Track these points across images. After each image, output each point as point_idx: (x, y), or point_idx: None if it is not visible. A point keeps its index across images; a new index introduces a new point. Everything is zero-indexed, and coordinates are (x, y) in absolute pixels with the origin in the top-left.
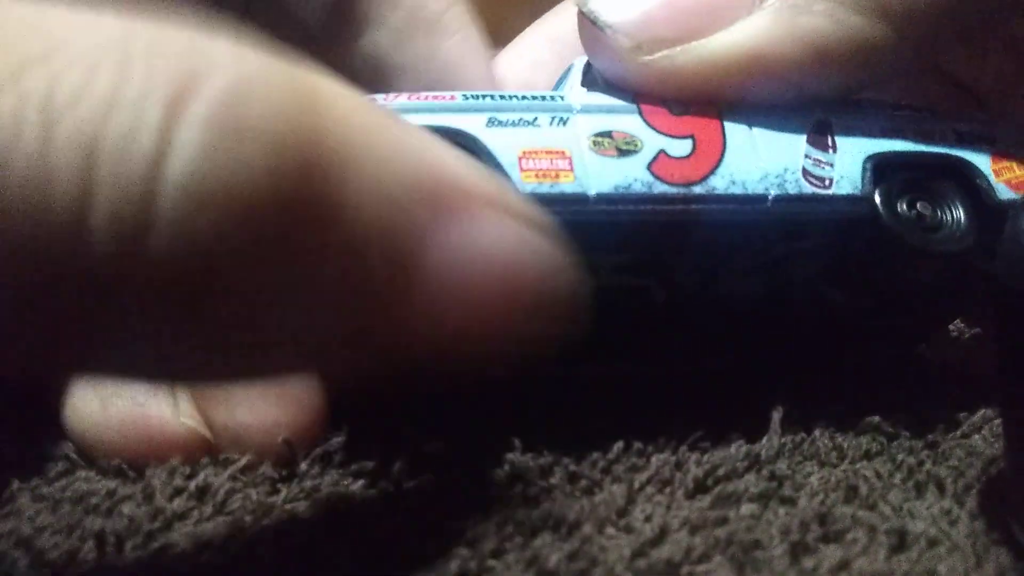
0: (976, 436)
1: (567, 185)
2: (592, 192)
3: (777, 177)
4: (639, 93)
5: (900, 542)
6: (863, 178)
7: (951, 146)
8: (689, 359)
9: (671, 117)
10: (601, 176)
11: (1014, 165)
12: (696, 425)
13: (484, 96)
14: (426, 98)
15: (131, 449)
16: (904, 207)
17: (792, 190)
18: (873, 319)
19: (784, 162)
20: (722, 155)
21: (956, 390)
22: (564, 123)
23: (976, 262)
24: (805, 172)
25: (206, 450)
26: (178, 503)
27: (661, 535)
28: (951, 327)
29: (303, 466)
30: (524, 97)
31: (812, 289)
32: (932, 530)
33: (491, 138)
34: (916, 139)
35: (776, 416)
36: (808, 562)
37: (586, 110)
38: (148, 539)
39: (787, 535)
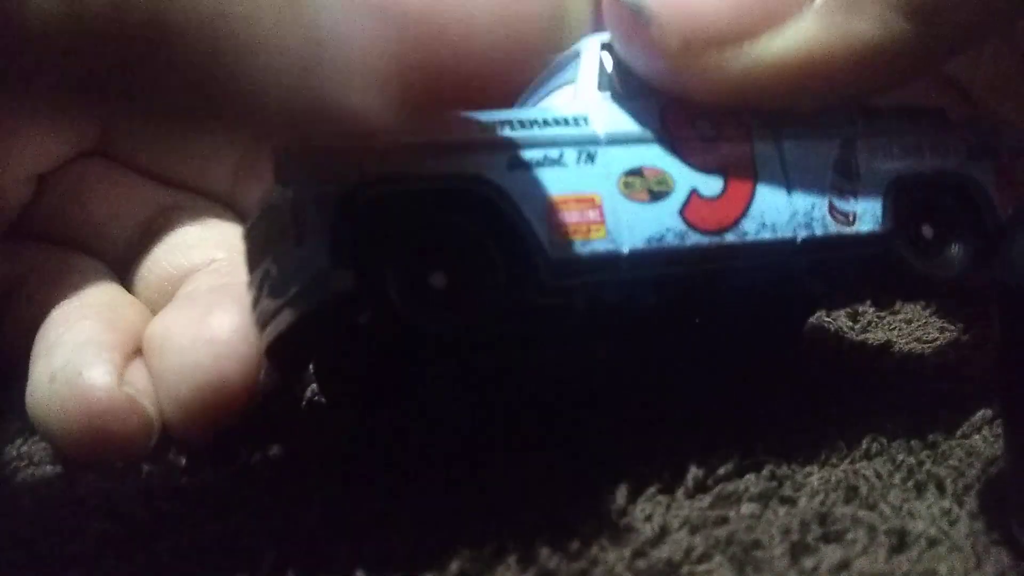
0: (976, 436)
1: (599, 242)
2: (625, 250)
3: (805, 215)
4: (678, 95)
5: (900, 542)
6: (884, 213)
7: (962, 161)
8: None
9: (701, 144)
10: (633, 227)
11: (1014, 181)
12: (696, 425)
13: (503, 123)
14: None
15: (75, 421)
16: (912, 231)
17: (819, 230)
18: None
19: (813, 196)
20: (753, 193)
21: (956, 390)
22: (592, 160)
23: (967, 285)
24: (832, 207)
25: (145, 420)
26: (178, 503)
27: (661, 535)
28: (952, 327)
29: (303, 465)
30: (547, 122)
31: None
32: (932, 530)
33: (515, 185)
34: (932, 156)
35: (776, 416)
36: (808, 562)
37: (612, 140)
38: (149, 540)
39: (787, 535)
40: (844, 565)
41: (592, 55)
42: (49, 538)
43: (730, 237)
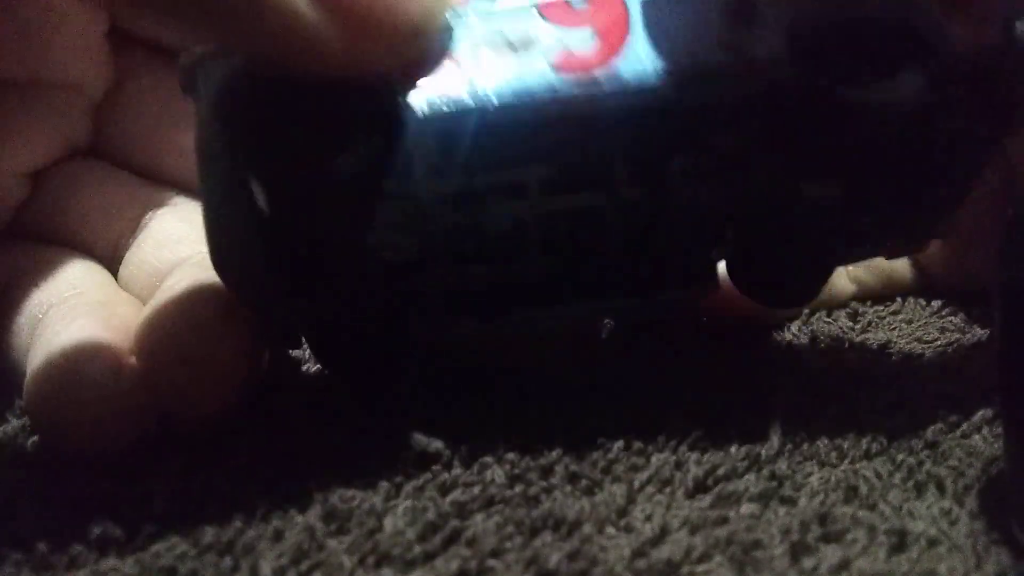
0: (976, 436)
1: (462, 97)
2: (490, 96)
3: (693, 62)
4: None
5: (900, 542)
6: (790, 51)
7: None
8: (653, 286)
9: (571, 11)
10: (497, 79)
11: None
12: (696, 425)
13: None
14: None
15: (71, 419)
16: (837, 65)
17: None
18: (861, 215)
19: (697, 34)
20: (628, 40)
21: (956, 390)
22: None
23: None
24: (720, 41)
25: (139, 416)
26: (178, 503)
27: (661, 535)
28: (952, 327)
29: (303, 465)
30: None
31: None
32: (932, 530)
33: None
34: None
35: (776, 416)
36: (808, 562)
37: (481, 15)
38: (149, 539)
39: (787, 535)
40: (844, 565)
41: None
42: (49, 538)
43: (604, 79)
